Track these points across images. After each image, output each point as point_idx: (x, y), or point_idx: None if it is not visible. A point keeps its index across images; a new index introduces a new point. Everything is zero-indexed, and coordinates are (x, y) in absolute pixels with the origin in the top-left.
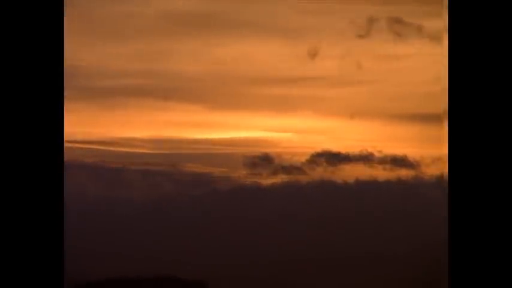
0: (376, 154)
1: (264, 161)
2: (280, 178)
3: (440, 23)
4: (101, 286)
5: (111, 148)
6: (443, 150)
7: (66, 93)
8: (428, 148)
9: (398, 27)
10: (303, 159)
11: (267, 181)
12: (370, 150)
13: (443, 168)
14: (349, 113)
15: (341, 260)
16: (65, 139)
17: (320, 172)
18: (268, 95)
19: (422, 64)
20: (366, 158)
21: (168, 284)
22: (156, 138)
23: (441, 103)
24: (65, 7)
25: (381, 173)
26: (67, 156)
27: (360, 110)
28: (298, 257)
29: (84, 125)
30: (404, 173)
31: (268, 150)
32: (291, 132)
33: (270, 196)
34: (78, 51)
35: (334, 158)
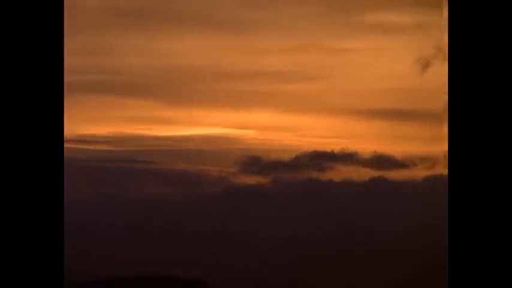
0: (347, 151)
1: (243, 158)
2: (268, 176)
3: (399, 16)
4: (101, 286)
5: (74, 146)
6: (421, 146)
7: None
8: (401, 144)
9: (349, 21)
10: (281, 156)
11: (256, 179)
12: (333, 147)
13: (428, 165)
14: (309, 108)
15: (340, 260)
16: None
17: (303, 169)
18: (223, 91)
19: (377, 58)
20: (333, 155)
21: (168, 284)
22: (117, 135)
23: (403, 98)
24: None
25: (357, 170)
26: None
27: (320, 106)
28: (297, 256)
29: None
30: (386, 171)
31: (236, 147)
32: (253, 129)
33: (261, 195)
34: None
35: (310, 155)
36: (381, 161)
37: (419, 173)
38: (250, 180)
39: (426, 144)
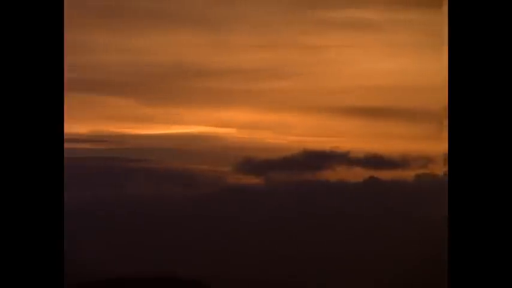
0: (336, 150)
1: (233, 157)
2: (261, 176)
3: (371, 13)
4: (101, 286)
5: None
6: (406, 144)
7: None
8: (385, 143)
9: (321, 17)
10: (270, 155)
11: (250, 179)
12: (318, 145)
13: (420, 164)
14: (288, 107)
15: (339, 260)
16: None
17: (296, 169)
18: (200, 88)
19: (352, 56)
20: (322, 154)
21: (168, 284)
22: (99, 134)
23: (382, 96)
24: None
25: (348, 169)
26: None
27: (298, 104)
28: (297, 256)
29: None
30: (377, 170)
31: (221, 145)
32: (234, 128)
33: (256, 194)
34: None
35: (300, 155)
36: (371, 160)
37: (413, 172)
38: (245, 179)
39: (413, 143)
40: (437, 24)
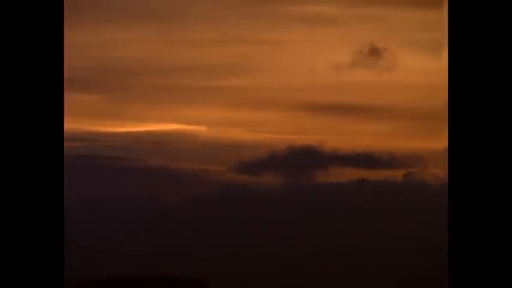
0: (315, 148)
1: (222, 156)
2: (254, 175)
3: (331, 7)
4: (101, 286)
5: None
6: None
7: None
8: (359, 140)
9: (279, 12)
10: (254, 154)
11: (244, 178)
12: (295, 143)
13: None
14: (256, 103)
15: (337, 261)
16: None
17: (284, 168)
18: (164, 85)
19: (314, 51)
20: (305, 151)
21: (168, 284)
22: (70, 132)
23: (350, 92)
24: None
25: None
26: None
27: (265, 101)
28: (297, 256)
29: None
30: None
31: (199, 143)
32: (205, 125)
33: (250, 193)
34: None
35: (285, 153)
36: (360, 158)
37: (400, 171)
38: (239, 178)
39: (390, 141)
40: (398, 19)
